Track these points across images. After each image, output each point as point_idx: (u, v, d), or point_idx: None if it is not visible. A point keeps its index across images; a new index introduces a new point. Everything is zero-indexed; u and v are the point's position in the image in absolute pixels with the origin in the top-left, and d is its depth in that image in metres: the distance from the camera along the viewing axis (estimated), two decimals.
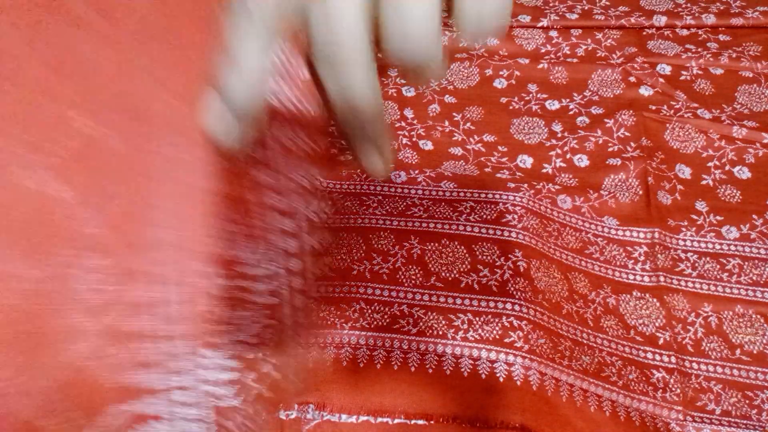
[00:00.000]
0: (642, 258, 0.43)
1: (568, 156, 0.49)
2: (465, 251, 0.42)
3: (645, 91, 0.53)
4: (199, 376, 0.19)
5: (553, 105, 0.53)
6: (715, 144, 0.49)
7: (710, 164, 0.49)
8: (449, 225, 0.43)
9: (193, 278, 0.21)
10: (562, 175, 0.48)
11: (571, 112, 0.52)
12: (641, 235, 0.44)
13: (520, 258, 0.41)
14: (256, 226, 0.22)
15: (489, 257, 0.41)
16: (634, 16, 0.59)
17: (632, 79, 0.54)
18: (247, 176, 0.21)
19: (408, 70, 0.15)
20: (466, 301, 0.39)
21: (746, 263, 0.43)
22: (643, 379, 0.38)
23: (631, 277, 0.43)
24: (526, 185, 0.46)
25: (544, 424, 0.35)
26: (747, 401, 0.38)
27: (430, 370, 0.37)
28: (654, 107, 0.52)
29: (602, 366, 0.38)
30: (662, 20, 0.58)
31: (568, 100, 0.53)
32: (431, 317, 0.39)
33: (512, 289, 0.40)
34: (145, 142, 0.22)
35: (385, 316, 0.39)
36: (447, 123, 0.52)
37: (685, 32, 0.58)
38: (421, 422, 0.36)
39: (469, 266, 0.41)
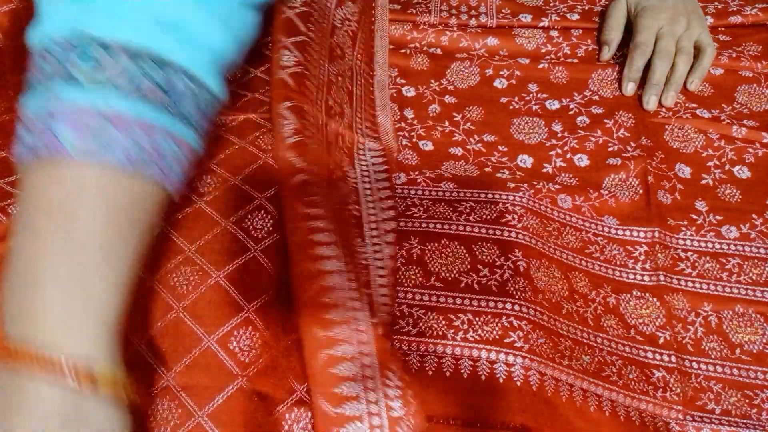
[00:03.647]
0: (642, 257, 0.43)
1: (568, 156, 0.49)
2: (465, 251, 0.42)
3: None
4: None
5: (554, 105, 0.53)
6: (714, 144, 0.49)
7: (710, 164, 0.49)
8: (449, 225, 0.43)
9: None
10: (562, 175, 0.48)
11: (571, 112, 0.52)
12: (641, 234, 0.44)
13: (520, 258, 0.41)
14: None
15: (489, 257, 0.41)
16: None
17: None
18: None
19: None
20: (466, 301, 0.39)
21: (746, 263, 0.43)
22: (643, 378, 0.38)
23: (631, 276, 0.43)
24: (526, 185, 0.46)
25: (544, 425, 0.35)
26: (747, 400, 0.38)
27: (430, 372, 0.37)
28: None
29: (602, 366, 0.38)
30: None
31: (568, 99, 0.53)
32: (431, 317, 0.39)
33: (512, 289, 0.40)
34: None
35: None
36: (447, 123, 0.52)
37: None
38: None
39: (468, 266, 0.41)
